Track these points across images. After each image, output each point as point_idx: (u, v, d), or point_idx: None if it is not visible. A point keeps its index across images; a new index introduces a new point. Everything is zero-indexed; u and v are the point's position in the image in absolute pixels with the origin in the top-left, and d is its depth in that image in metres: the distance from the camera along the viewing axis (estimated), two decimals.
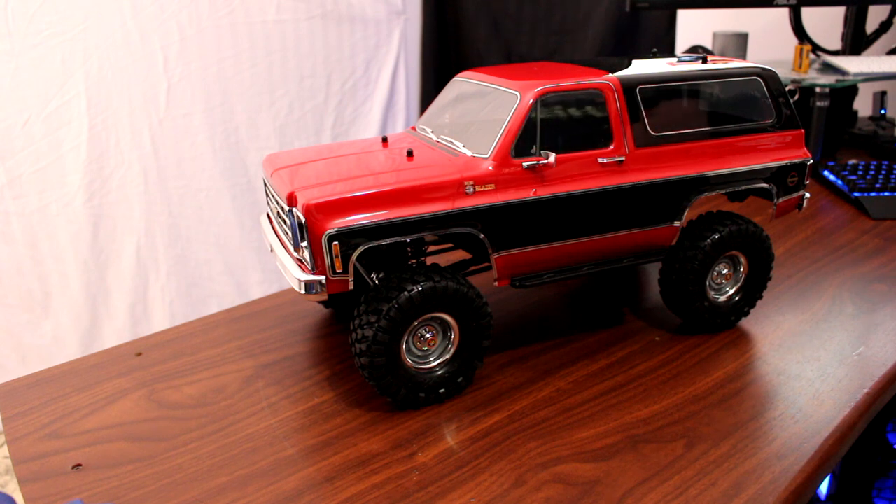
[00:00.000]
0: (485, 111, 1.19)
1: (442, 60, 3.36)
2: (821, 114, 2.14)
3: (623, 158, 1.15)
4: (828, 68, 2.34)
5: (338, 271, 1.02)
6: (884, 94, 2.66)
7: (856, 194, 1.92)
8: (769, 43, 2.68)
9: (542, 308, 1.43)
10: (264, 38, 2.77)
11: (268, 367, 1.23)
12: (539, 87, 1.10)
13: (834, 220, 1.83)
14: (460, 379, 1.12)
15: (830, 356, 1.21)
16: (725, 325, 1.30)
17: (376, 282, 1.08)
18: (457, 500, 0.91)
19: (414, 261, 1.22)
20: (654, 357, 1.23)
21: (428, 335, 1.09)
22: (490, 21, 3.22)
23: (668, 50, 3.04)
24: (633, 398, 1.11)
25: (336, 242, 1.00)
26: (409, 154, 1.14)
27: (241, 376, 1.21)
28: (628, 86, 1.16)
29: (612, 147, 1.15)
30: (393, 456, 1.00)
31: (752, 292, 1.31)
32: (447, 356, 1.11)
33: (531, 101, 1.09)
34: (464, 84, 1.29)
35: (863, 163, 2.10)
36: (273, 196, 1.18)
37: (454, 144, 1.16)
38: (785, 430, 1.02)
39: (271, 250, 1.19)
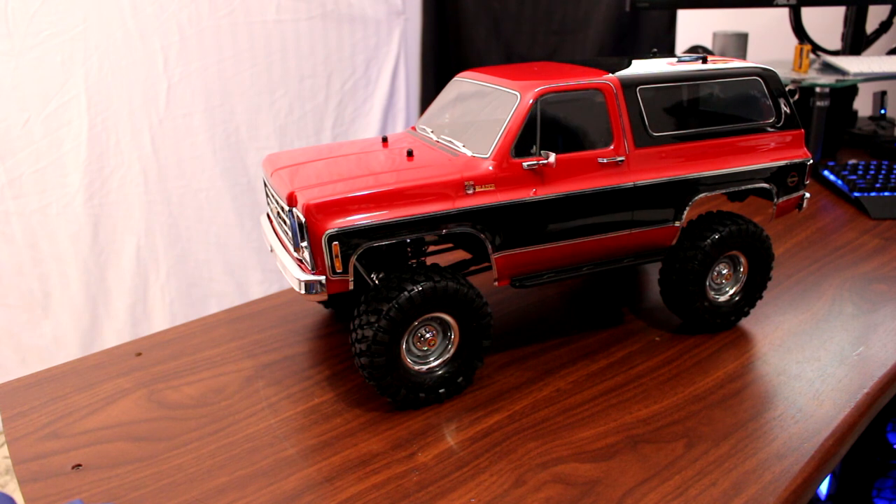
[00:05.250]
0: (485, 111, 1.19)
1: (442, 60, 3.36)
2: (821, 114, 2.14)
3: (623, 158, 1.15)
4: (828, 68, 2.34)
5: (338, 271, 1.02)
6: (884, 94, 2.66)
7: (856, 194, 1.92)
8: (769, 43, 2.68)
9: (542, 308, 1.43)
10: (264, 38, 2.77)
11: (268, 367, 1.23)
12: (539, 87, 1.10)
13: (834, 220, 1.83)
14: (460, 379, 1.12)
15: (830, 356, 1.21)
16: (725, 325, 1.30)
17: (376, 282, 1.08)
18: (457, 500, 0.91)
19: (414, 261, 1.22)
20: (654, 357, 1.23)
21: (428, 335, 1.09)
22: (490, 21, 3.22)
23: (668, 50, 3.04)
24: (633, 398, 1.11)
25: (336, 242, 1.00)
26: (410, 154, 1.14)
27: (241, 376, 1.21)
28: (628, 86, 1.16)
29: (612, 147, 1.15)
30: (393, 456, 1.00)
31: (752, 292, 1.31)
32: (447, 356, 1.11)
33: (531, 101, 1.09)
34: (464, 84, 1.29)
35: (863, 163, 2.10)
36: (273, 196, 1.18)
37: (454, 144, 1.16)
38: (785, 430, 1.02)
39: (271, 250, 1.19)
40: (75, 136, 2.47)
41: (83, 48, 2.41)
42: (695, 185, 1.21)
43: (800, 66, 2.33)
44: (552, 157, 1.07)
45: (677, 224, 1.23)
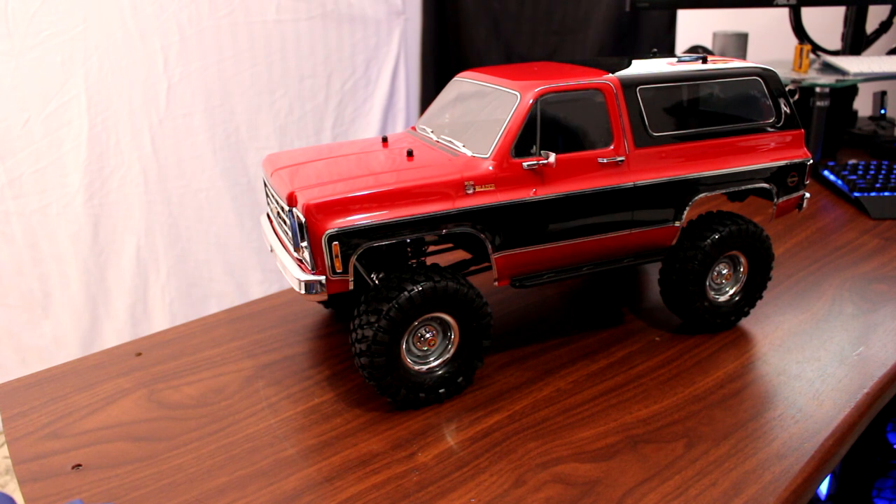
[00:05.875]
0: (485, 111, 1.19)
1: (442, 60, 3.36)
2: (821, 114, 2.14)
3: (623, 158, 1.15)
4: (828, 68, 2.34)
5: (338, 271, 1.02)
6: (884, 94, 2.66)
7: (856, 194, 1.92)
8: (769, 43, 2.68)
9: (542, 308, 1.43)
10: (264, 38, 2.77)
11: (268, 367, 1.23)
12: (539, 87, 1.10)
13: (834, 220, 1.83)
14: (460, 379, 1.12)
15: (830, 356, 1.21)
16: (725, 325, 1.30)
17: (376, 282, 1.08)
18: (457, 500, 0.91)
19: (414, 261, 1.22)
20: (654, 357, 1.23)
21: (428, 335, 1.09)
22: (490, 21, 3.22)
23: (668, 50, 3.04)
24: (633, 398, 1.11)
25: (336, 242, 1.00)
26: (410, 154, 1.14)
27: (241, 376, 1.21)
28: (628, 86, 1.16)
29: (612, 147, 1.15)
30: (393, 456, 1.00)
31: (752, 292, 1.31)
32: (447, 356, 1.11)
33: (531, 101, 1.09)
34: (464, 84, 1.29)
35: (863, 163, 2.10)
36: (273, 196, 1.18)
37: (454, 144, 1.16)
38: (785, 430, 1.02)
39: (271, 250, 1.19)
40: (75, 136, 2.47)
41: (83, 48, 2.41)
42: (695, 185, 1.21)
43: (800, 66, 2.33)
44: (552, 157, 1.07)
45: (677, 224, 1.23)
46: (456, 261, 1.33)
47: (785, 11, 2.49)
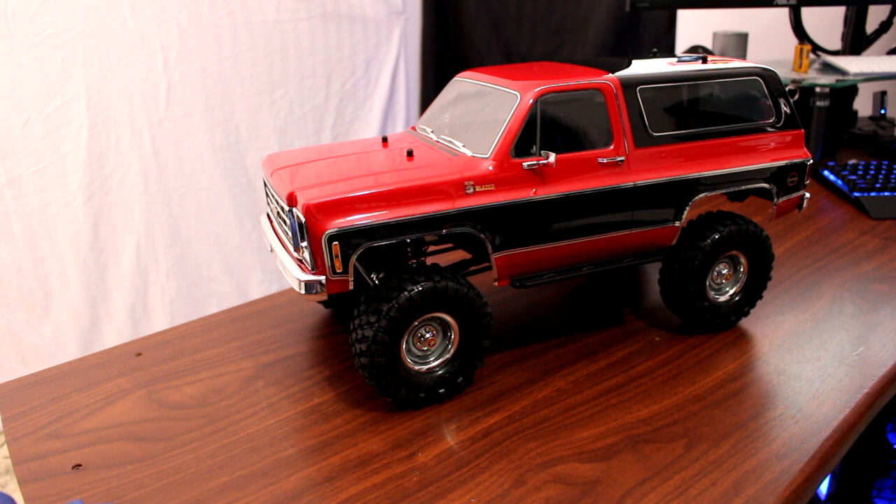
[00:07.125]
0: (485, 111, 1.19)
1: (442, 60, 3.36)
2: (821, 114, 2.14)
3: (623, 158, 1.15)
4: (828, 68, 2.34)
5: (338, 271, 1.02)
6: (884, 94, 2.66)
7: (856, 194, 1.92)
8: (769, 43, 2.68)
9: (542, 308, 1.43)
10: (264, 38, 2.77)
11: (268, 367, 1.23)
12: (539, 87, 1.10)
13: (834, 220, 1.83)
14: (460, 379, 1.12)
15: (830, 356, 1.21)
16: (725, 325, 1.30)
17: (376, 282, 1.08)
18: (457, 500, 0.91)
19: (414, 261, 1.22)
20: (654, 357, 1.23)
21: (428, 335, 1.09)
22: (490, 21, 3.22)
23: (668, 50, 3.04)
24: (633, 398, 1.11)
25: (336, 242, 1.00)
26: (410, 154, 1.14)
27: (241, 376, 1.21)
28: (628, 86, 1.16)
29: (612, 147, 1.15)
30: (393, 456, 1.00)
31: (752, 292, 1.31)
32: (447, 356, 1.11)
33: (531, 101, 1.09)
34: (464, 84, 1.29)
35: (863, 163, 2.10)
36: (273, 196, 1.18)
37: (454, 144, 1.16)
38: (785, 430, 1.02)
39: (271, 250, 1.19)
40: (75, 136, 2.47)
41: (83, 48, 2.41)
42: (695, 185, 1.21)
43: (800, 66, 2.33)
44: (552, 157, 1.07)
45: (677, 224, 1.23)
46: (456, 261, 1.33)
47: (785, 11, 2.49)
